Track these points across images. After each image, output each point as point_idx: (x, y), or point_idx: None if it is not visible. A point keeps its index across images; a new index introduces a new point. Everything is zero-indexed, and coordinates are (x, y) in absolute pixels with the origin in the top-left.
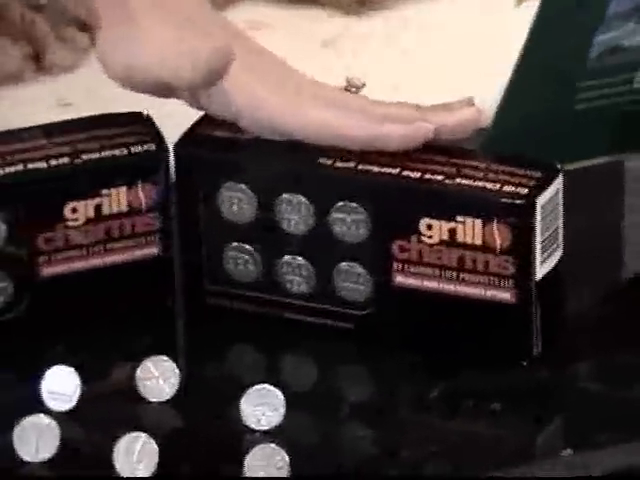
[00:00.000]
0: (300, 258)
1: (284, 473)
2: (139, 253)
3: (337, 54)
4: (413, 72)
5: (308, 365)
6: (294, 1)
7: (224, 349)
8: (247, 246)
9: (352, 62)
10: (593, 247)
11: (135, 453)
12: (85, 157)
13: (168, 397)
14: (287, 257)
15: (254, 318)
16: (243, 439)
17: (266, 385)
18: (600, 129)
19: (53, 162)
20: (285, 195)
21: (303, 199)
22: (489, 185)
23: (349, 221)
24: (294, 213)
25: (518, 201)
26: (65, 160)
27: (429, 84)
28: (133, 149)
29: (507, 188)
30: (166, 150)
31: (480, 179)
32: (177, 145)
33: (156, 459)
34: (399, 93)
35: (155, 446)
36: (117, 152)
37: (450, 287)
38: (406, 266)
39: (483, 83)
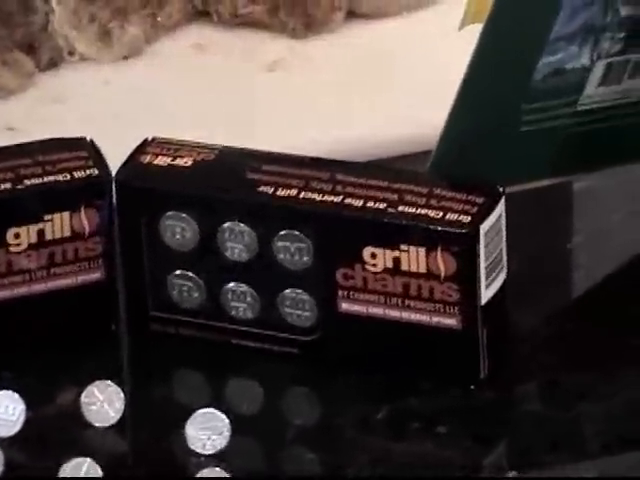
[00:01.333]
0: (244, 285)
1: None
2: (82, 278)
3: (283, 77)
4: (359, 97)
5: (253, 389)
6: (240, 24)
7: (169, 374)
8: (190, 273)
9: (299, 86)
10: (538, 269)
11: (80, 478)
12: (28, 182)
13: (113, 422)
14: (231, 284)
15: (199, 344)
16: (188, 463)
17: (211, 409)
18: (545, 151)
19: None
20: (227, 224)
21: (245, 227)
22: (432, 213)
23: (292, 249)
24: (237, 241)
25: (461, 230)
26: (7, 185)
27: (376, 109)
28: (76, 174)
29: (450, 216)
30: (109, 175)
31: (422, 206)
32: (118, 173)
33: None
34: (347, 118)
35: (100, 471)
36: (60, 177)
37: (396, 314)
38: (351, 293)
39: (431, 107)
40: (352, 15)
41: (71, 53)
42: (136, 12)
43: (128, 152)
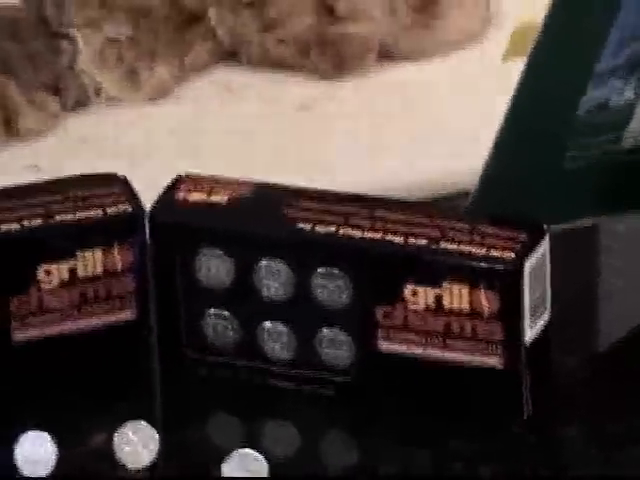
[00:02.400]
0: (280, 324)
1: None
2: (114, 317)
3: (314, 118)
4: (395, 137)
5: (290, 432)
6: (269, 66)
7: (203, 416)
8: (225, 312)
9: (329, 127)
10: (580, 311)
11: None
12: (59, 218)
13: (146, 464)
14: (267, 323)
15: (234, 385)
16: None
17: (248, 450)
18: (589, 189)
19: (26, 223)
20: (264, 261)
21: (282, 265)
22: (475, 249)
23: (331, 287)
24: (273, 279)
25: (505, 266)
26: (38, 221)
27: (411, 150)
28: (109, 210)
29: (493, 252)
30: (142, 211)
31: (465, 243)
32: (152, 210)
33: None
34: (382, 159)
35: None
36: (92, 213)
37: (437, 353)
38: (391, 332)
39: (471, 146)
40: (387, 56)
41: (98, 94)
42: (163, 53)
43: (159, 192)
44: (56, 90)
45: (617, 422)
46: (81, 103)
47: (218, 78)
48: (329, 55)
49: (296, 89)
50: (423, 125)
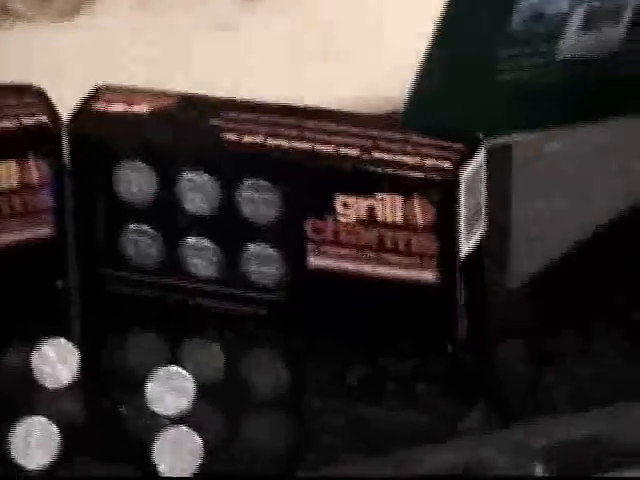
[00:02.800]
0: (205, 240)
1: (196, 458)
2: (31, 234)
3: (233, 38)
4: (318, 52)
5: (217, 352)
6: None
7: (123, 336)
8: (147, 228)
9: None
10: (511, 226)
11: (33, 439)
12: None
13: (67, 382)
14: (191, 239)
15: (155, 304)
16: (150, 424)
17: (174, 367)
18: (521, 102)
19: None
20: (188, 174)
21: (207, 177)
22: (408, 159)
23: (258, 200)
24: (198, 192)
25: (441, 175)
26: None
27: (341, 61)
28: (25, 121)
29: (428, 162)
30: (60, 123)
31: (398, 152)
32: (70, 121)
33: (57, 445)
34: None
35: (56, 430)
36: (7, 123)
37: (369, 268)
38: (321, 247)
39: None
40: None
41: (6, 12)
42: None
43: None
44: None
45: (552, 340)
46: None
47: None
48: None
49: (213, 5)
50: (350, 38)
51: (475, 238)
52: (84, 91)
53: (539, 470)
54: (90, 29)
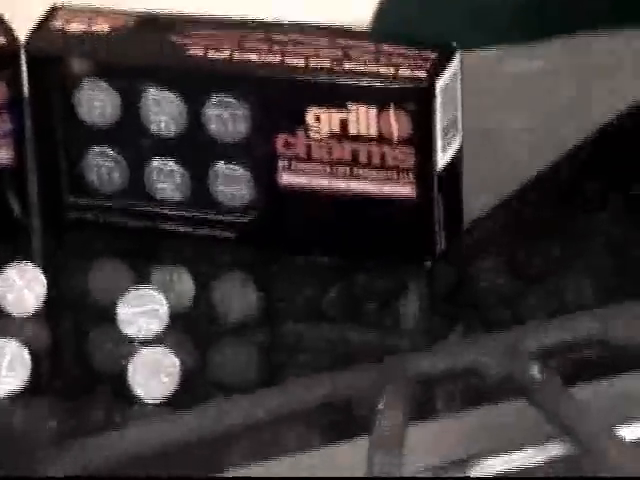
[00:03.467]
0: (171, 162)
1: (174, 380)
2: None
3: None
4: None
5: (186, 277)
6: None
7: (89, 264)
8: (110, 151)
9: None
10: (490, 148)
11: (4, 362)
12: None
13: (33, 309)
14: (157, 161)
15: (121, 231)
16: (123, 348)
17: (146, 289)
18: (494, 13)
19: None
20: (152, 92)
21: (172, 95)
22: (382, 69)
23: (226, 117)
24: (163, 112)
25: (416, 84)
26: None
27: None
28: None
29: (402, 71)
30: (18, 44)
31: (371, 62)
32: (27, 41)
33: (28, 368)
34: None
35: (27, 354)
36: None
37: (343, 184)
38: (293, 163)
39: None
40: None
41: None
42: None
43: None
44: None
45: (530, 253)
46: None
47: None
48: None
49: None
50: None
51: (452, 150)
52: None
53: (535, 372)
54: None
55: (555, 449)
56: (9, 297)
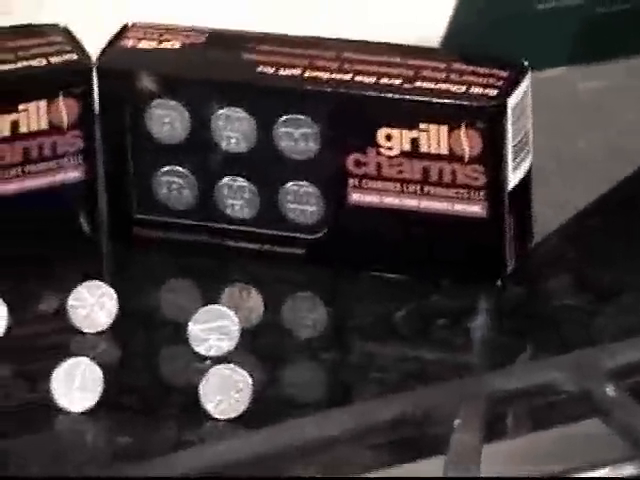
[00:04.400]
0: (241, 179)
1: (245, 398)
2: (61, 177)
3: None
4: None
5: (256, 294)
6: None
7: (159, 281)
8: (181, 169)
9: None
10: (562, 165)
11: (77, 379)
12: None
13: (105, 327)
14: (227, 179)
15: (191, 248)
16: (195, 365)
17: (218, 305)
18: (563, 33)
19: None
20: (222, 110)
21: (243, 113)
22: (453, 87)
23: (297, 135)
24: (233, 130)
25: (488, 103)
26: None
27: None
28: (53, 59)
29: (474, 90)
30: (89, 61)
31: (443, 81)
32: (100, 58)
33: (101, 385)
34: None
35: (99, 371)
36: (35, 63)
37: (414, 202)
38: (363, 182)
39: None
40: None
41: None
42: None
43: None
44: None
45: (601, 274)
46: None
47: None
48: None
49: None
50: None
51: (523, 168)
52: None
53: (609, 391)
54: None
55: (630, 469)
56: (81, 314)
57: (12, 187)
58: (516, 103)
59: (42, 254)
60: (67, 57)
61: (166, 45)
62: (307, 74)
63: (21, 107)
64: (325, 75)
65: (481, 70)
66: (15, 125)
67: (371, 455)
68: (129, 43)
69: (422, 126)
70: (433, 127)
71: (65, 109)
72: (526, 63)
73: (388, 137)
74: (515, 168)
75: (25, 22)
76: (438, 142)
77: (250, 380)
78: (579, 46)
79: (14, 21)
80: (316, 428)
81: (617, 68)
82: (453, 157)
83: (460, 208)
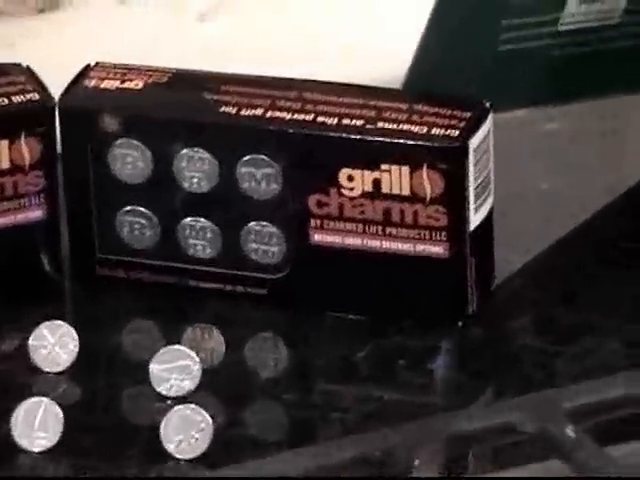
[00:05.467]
0: (203, 219)
1: (206, 438)
2: (23, 216)
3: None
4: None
5: (218, 334)
6: None
7: (120, 321)
8: (143, 209)
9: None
10: (521, 205)
11: (37, 420)
12: None
13: (65, 367)
14: (189, 219)
15: (153, 288)
16: (156, 405)
17: (178, 346)
18: (525, 74)
19: None
20: (185, 150)
21: (205, 154)
22: (415, 128)
23: (258, 176)
24: (195, 170)
25: (450, 143)
26: None
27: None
28: (15, 99)
29: (435, 130)
30: (52, 101)
31: (404, 122)
32: (62, 98)
33: (61, 426)
34: (296, 66)
35: (59, 411)
36: None
37: (376, 243)
38: (325, 222)
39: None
40: None
41: None
42: None
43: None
44: None
45: (563, 315)
46: None
47: None
48: None
49: None
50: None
51: (485, 209)
52: (71, 74)
53: (569, 432)
54: (69, 22)
55: None
56: (41, 354)
57: None
58: (478, 144)
59: (3, 293)
60: (29, 96)
61: (129, 85)
62: (269, 114)
63: None
64: (287, 115)
65: (443, 111)
66: None
67: None
68: (92, 82)
69: (384, 167)
70: (395, 168)
71: (27, 149)
72: (488, 104)
73: (350, 178)
74: (477, 209)
75: None
76: (400, 183)
77: (211, 420)
78: (542, 87)
79: None
80: (276, 468)
81: (580, 109)
82: (415, 198)
83: (422, 249)
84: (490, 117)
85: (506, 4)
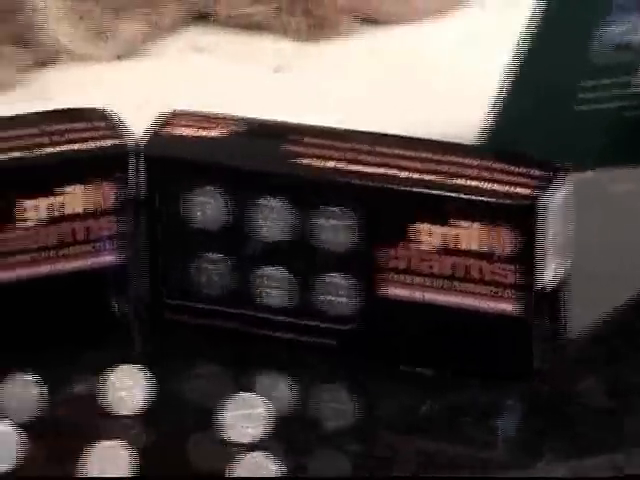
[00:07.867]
0: (277, 268)
1: None
2: (96, 260)
3: (290, 80)
4: (378, 100)
5: (287, 385)
6: (240, 26)
7: (190, 368)
8: (218, 255)
9: (307, 88)
10: (602, 264)
11: (110, 466)
12: (39, 151)
13: (139, 410)
14: (261, 267)
15: (226, 335)
16: (227, 452)
17: (250, 394)
18: (600, 134)
19: (2, 156)
20: (261, 199)
21: (280, 203)
22: (487, 185)
23: (331, 227)
24: (271, 219)
25: (520, 202)
26: (16, 154)
27: (393, 112)
28: (95, 144)
29: (507, 188)
30: (129, 147)
31: (477, 178)
32: (139, 144)
33: (130, 468)
34: (366, 122)
35: (129, 456)
36: (76, 147)
37: (444, 298)
38: (395, 276)
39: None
40: (370, 21)
41: (65, 50)
42: (131, 10)
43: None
44: (26, 45)
45: (630, 374)
46: (49, 59)
47: (188, 38)
48: (299, 14)
49: (270, 50)
50: (400, 86)
51: (557, 268)
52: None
53: None
54: (146, 70)
55: None
56: (113, 398)
57: (45, 269)
58: (553, 204)
59: (78, 335)
60: (106, 142)
61: (208, 133)
62: (345, 167)
63: (58, 190)
64: (363, 169)
65: (516, 169)
66: (51, 209)
67: None
68: (170, 129)
69: (454, 222)
70: (465, 224)
71: (102, 194)
72: (562, 164)
73: (420, 232)
74: (548, 267)
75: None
76: (470, 239)
77: (280, 468)
78: (612, 149)
79: (54, 106)
80: None
81: None
82: (484, 254)
83: (490, 305)
84: (564, 176)
85: (586, 65)
